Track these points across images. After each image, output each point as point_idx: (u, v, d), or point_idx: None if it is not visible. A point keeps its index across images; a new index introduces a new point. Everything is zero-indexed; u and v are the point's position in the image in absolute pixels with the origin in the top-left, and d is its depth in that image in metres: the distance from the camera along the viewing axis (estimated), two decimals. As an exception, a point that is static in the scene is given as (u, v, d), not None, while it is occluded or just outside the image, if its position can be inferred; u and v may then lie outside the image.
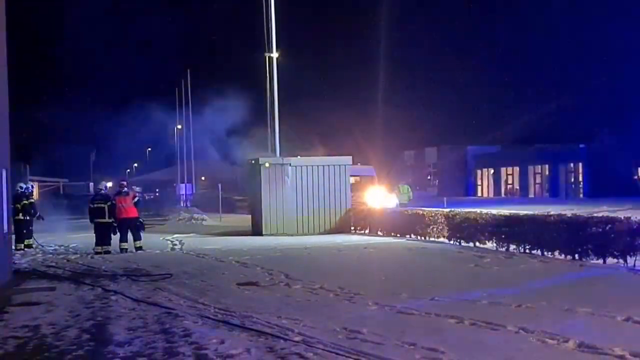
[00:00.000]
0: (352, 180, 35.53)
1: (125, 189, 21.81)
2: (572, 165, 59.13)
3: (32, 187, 24.84)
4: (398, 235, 23.20)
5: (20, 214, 22.14)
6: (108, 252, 20.25)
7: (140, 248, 20.85)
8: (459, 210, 21.61)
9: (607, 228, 14.90)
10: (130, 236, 21.07)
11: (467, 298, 10.96)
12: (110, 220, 20.81)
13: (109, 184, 21.70)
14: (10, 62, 16.82)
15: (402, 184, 37.17)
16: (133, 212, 21.36)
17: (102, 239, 20.64)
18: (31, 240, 22.77)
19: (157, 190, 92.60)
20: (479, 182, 71.50)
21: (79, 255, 20.04)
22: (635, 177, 55.54)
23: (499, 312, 9.80)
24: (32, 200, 22.66)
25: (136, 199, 21.78)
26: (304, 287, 12.70)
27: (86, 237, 25.75)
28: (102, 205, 20.93)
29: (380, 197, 33.98)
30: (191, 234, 27.54)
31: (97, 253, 20.21)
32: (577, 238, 15.54)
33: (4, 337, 9.33)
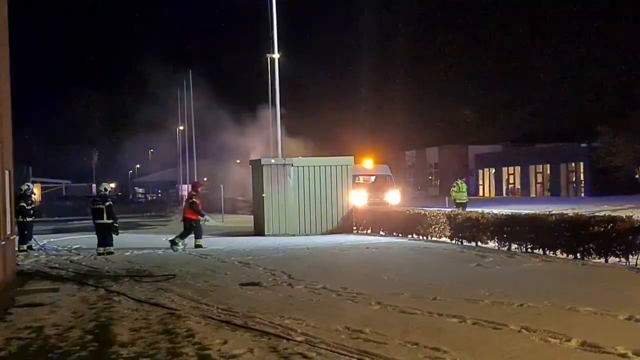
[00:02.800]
0: (362, 179, 35.81)
1: (196, 189, 22.70)
2: (573, 164, 59.15)
3: (32, 188, 24.92)
4: (400, 235, 23.23)
5: (21, 216, 22.17)
6: (110, 253, 20.27)
7: (199, 246, 21.53)
8: (461, 209, 21.63)
9: (609, 227, 14.91)
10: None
11: (470, 297, 10.97)
12: (109, 222, 20.84)
13: (112, 185, 21.90)
14: (13, 64, 16.86)
15: (461, 181, 31.67)
16: (187, 213, 22.17)
17: (103, 240, 20.71)
18: (31, 241, 22.81)
19: (159, 191, 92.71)
20: (481, 182, 71.52)
21: (81, 256, 20.08)
22: (637, 176, 55.48)
23: (501, 312, 9.82)
24: (23, 203, 22.68)
25: (190, 200, 22.25)
26: (307, 287, 12.73)
27: (89, 238, 25.80)
28: (101, 206, 21.03)
29: (389, 196, 34.07)
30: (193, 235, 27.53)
31: (99, 254, 20.25)
32: (578, 237, 15.55)
33: (7, 338, 9.36)
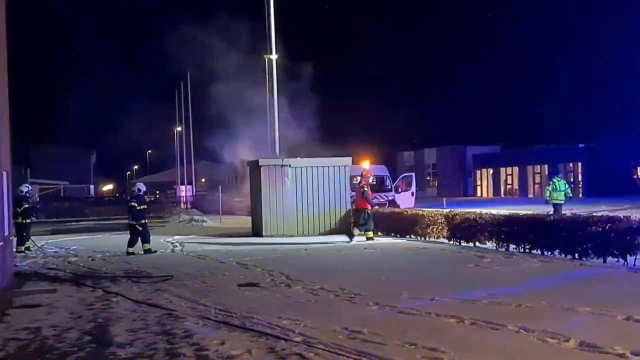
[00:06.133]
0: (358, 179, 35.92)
1: (368, 179, 23.14)
2: (571, 165, 59.23)
3: (31, 190, 24.91)
4: (398, 235, 23.21)
5: (20, 217, 22.17)
6: (131, 254, 20.38)
7: (370, 238, 21.82)
8: (459, 210, 21.63)
9: (607, 227, 14.91)
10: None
11: (468, 298, 10.97)
12: (132, 222, 21.03)
13: (141, 186, 21.68)
14: (11, 65, 16.84)
15: (558, 177, 27.02)
16: (360, 203, 22.59)
17: (140, 238, 21.02)
18: (29, 242, 22.79)
19: (157, 192, 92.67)
20: (479, 183, 71.58)
21: (79, 258, 20.04)
22: (635, 176, 55.59)
23: (499, 312, 9.82)
24: (27, 205, 22.72)
25: (362, 190, 22.41)
26: (305, 287, 12.72)
27: (86, 240, 25.81)
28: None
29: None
30: (191, 236, 27.56)
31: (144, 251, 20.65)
32: (576, 237, 15.55)
33: (5, 339, 9.36)
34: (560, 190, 26.13)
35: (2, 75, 15.62)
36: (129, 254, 20.35)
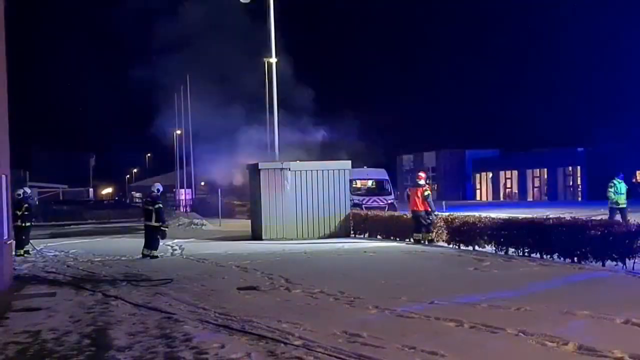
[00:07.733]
0: (360, 183, 36.04)
1: (422, 181, 22.47)
2: (570, 168, 59.25)
3: (31, 193, 24.93)
4: (397, 239, 23.22)
5: (19, 221, 22.16)
6: (154, 257, 20.04)
7: (430, 240, 21.18)
8: (458, 214, 21.63)
9: (606, 231, 14.92)
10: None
11: (467, 301, 10.98)
12: (157, 224, 20.48)
13: (159, 186, 20.99)
14: (10, 67, 16.86)
15: (619, 179, 24.12)
16: (416, 205, 21.74)
17: (148, 242, 20.47)
18: (28, 245, 22.78)
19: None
20: (478, 186, 71.61)
21: (78, 261, 20.04)
22: (634, 180, 55.58)
23: (498, 315, 9.82)
24: (26, 209, 22.75)
25: (426, 193, 21.79)
26: (304, 291, 12.72)
27: (85, 243, 25.79)
28: (150, 207, 20.79)
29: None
30: (191, 239, 27.55)
31: (143, 256, 20.13)
32: (576, 241, 15.55)
33: (4, 343, 9.36)
34: (621, 193, 23.81)
35: (2, 78, 15.64)
36: (152, 257, 20.04)
